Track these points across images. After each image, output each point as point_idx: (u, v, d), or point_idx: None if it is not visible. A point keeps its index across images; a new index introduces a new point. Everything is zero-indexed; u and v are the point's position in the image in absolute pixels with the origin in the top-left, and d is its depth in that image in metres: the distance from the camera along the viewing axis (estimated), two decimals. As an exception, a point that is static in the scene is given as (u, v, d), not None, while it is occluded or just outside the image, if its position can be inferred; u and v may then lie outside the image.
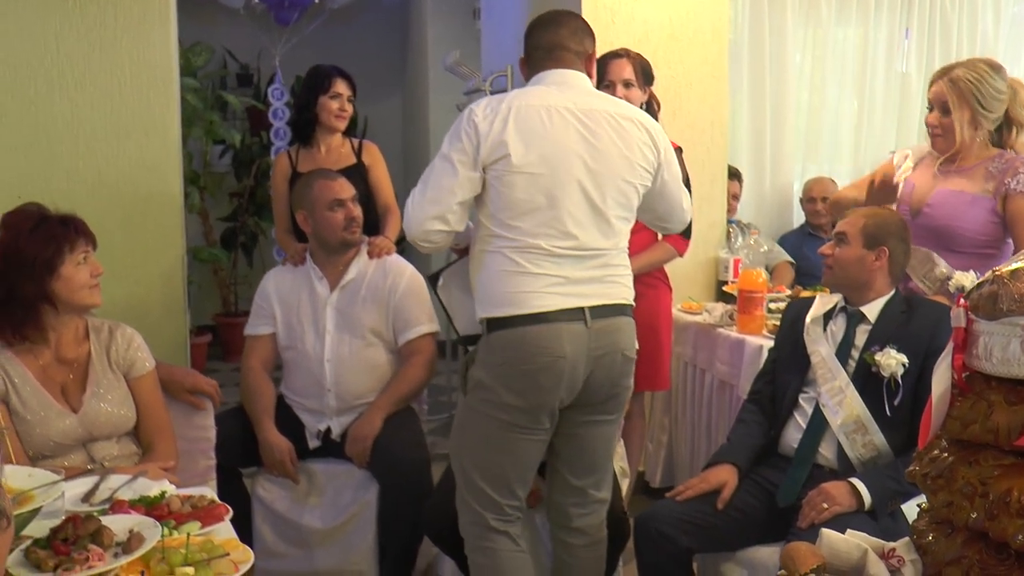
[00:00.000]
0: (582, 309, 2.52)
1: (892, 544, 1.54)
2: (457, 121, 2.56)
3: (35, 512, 1.65)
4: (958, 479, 1.43)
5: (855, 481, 2.54)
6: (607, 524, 2.78)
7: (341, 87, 3.96)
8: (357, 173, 3.89)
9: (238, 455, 3.26)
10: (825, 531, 1.57)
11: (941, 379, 1.48)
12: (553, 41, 2.65)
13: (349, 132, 4.08)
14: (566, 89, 2.61)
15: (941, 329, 2.58)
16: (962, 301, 1.48)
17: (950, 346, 1.48)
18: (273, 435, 3.27)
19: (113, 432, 2.58)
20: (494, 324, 2.53)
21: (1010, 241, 3.15)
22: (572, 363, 2.51)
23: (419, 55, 7.49)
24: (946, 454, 1.48)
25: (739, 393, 3.75)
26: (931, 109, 3.24)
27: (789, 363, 2.86)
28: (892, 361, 2.63)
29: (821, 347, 2.76)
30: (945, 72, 3.19)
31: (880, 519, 2.50)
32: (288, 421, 3.37)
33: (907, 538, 1.55)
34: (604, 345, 2.56)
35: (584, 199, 2.53)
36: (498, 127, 2.49)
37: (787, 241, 5.11)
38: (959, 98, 3.13)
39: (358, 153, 4.01)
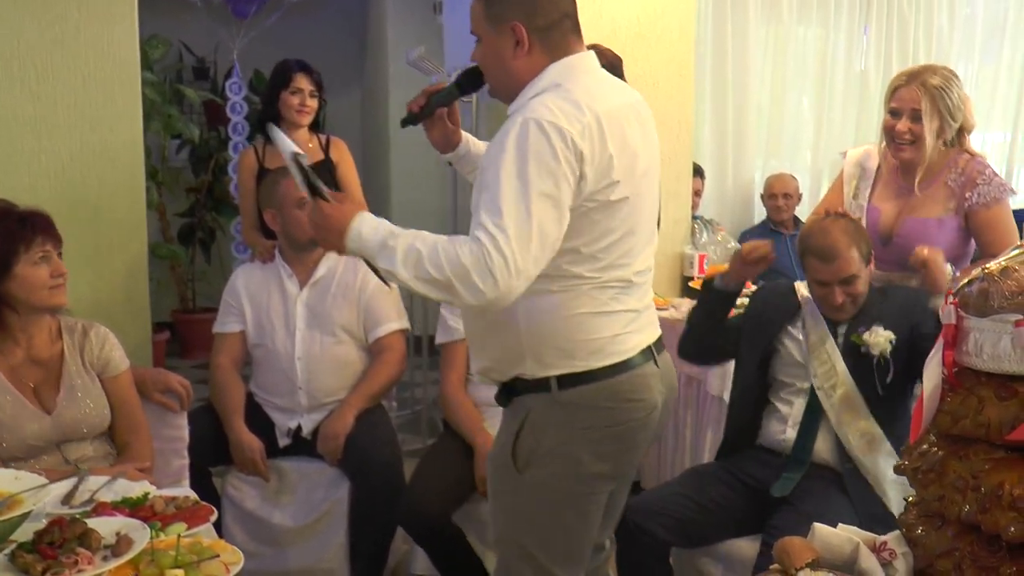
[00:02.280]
0: (650, 347, 2.12)
1: (883, 537, 1.57)
2: (536, 141, 1.86)
3: (25, 516, 1.62)
4: (949, 473, 1.46)
5: None
6: None
7: (302, 82, 3.92)
8: (325, 169, 3.87)
9: (207, 454, 3.21)
10: (817, 525, 1.59)
11: (932, 375, 1.51)
12: (574, 12, 2.07)
13: (316, 127, 4.05)
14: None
15: (919, 306, 2.64)
16: (951, 298, 1.51)
17: (940, 342, 1.51)
18: (243, 433, 3.24)
19: (88, 433, 2.54)
20: (568, 380, 2.03)
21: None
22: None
23: (379, 50, 7.44)
24: (936, 448, 1.51)
25: (707, 389, 3.77)
26: (896, 115, 3.04)
27: (753, 341, 2.86)
28: (880, 339, 2.62)
29: (821, 327, 2.73)
30: (914, 77, 3.02)
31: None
32: (258, 419, 3.33)
33: (898, 531, 1.58)
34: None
35: (651, 216, 2.13)
36: (599, 147, 1.92)
37: (749, 237, 5.13)
38: (932, 107, 2.97)
39: (326, 149, 3.99)
